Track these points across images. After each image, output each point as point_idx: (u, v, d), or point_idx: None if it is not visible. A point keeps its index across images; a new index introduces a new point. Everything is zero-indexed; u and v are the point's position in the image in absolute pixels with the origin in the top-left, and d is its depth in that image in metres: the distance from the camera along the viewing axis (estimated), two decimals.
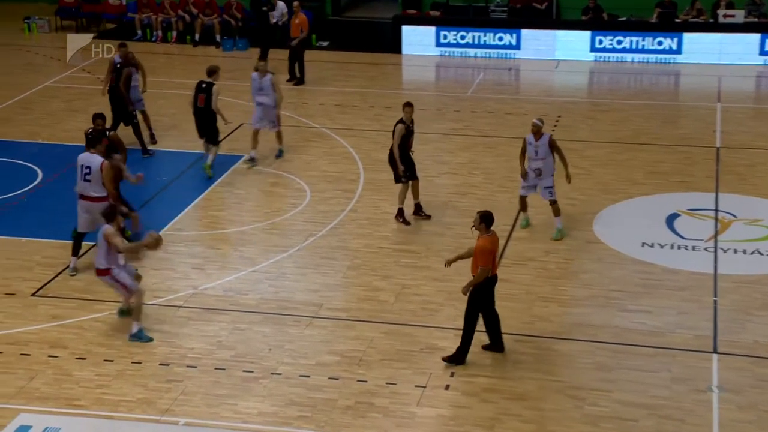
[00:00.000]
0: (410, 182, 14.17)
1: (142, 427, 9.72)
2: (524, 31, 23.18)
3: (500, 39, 23.35)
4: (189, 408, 10.01)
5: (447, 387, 10.41)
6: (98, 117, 13.71)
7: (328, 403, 10.11)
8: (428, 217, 14.34)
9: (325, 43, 24.06)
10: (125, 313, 11.47)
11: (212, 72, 15.79)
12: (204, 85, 15.73)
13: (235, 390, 10.33)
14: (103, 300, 12.04)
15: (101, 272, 11.06)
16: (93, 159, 12.38)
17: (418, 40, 23.49)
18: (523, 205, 14.01)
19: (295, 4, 21.16)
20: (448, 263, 10.94)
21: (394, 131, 13.98)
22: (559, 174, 13.61)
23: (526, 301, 12.11)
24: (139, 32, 24.13)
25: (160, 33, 24.06)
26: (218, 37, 23.81)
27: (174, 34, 24.06)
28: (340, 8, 26.96)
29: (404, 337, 11.37)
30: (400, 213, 14.25)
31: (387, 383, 10.45)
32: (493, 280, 10.64)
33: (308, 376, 10.59)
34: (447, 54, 23.49)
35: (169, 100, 19.00)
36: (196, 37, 23.95)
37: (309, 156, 16.97)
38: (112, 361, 10.80)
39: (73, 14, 24.93)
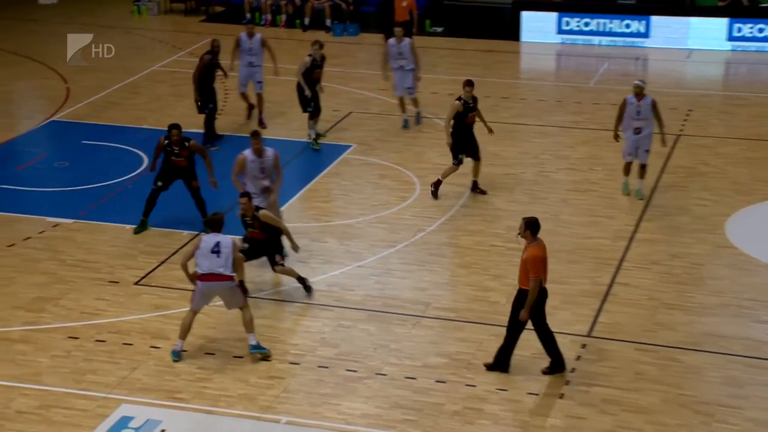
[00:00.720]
0: (472, 162, 14.86)
1: (243, 424, 9.91)
2: (654, 18, 22.68)
3: (627, 26, 22.91)
4: (291, 406, 10.15)
5: (561, 396, 10.28)
6: (174, 127, 13.54)
7: (435, 408, 10.11)
8: (484, 192, 14.89)
9: (440, 29, 24.03)
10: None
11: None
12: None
13: (339, 389, 10.42)
14: None
15: (226, 278, 10.73)
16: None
17: (539, 27, 23.25)
18: (627, 170, 14.73)
19: None
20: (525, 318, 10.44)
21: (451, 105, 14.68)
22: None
23: (648, 308, 11.86)
24: (248, 15, 24.56)
25: (269, 17, 24.44)
26: (328, 22, 24.04)
27: (283, 17, 24.41)
28: None
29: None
30: (436, 185, 14.78)
31: (497, 389, 10.39)
32: (544, 292, 10.34)
33: (414, 378, 10.61)
34: (569, 42, 23.18)
35: (277, 87, 19.28)
36: (306, 21, 24.24)
37: (419, 147, 16.98)
38: (213, 354, 11.04)
39: None
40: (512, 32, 23.41)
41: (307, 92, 16.53)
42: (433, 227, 14.07)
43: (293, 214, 14.50)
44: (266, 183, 12.91)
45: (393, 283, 12.61)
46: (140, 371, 10.70)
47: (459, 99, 14.66)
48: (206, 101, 16.59)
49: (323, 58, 16.84)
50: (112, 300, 12.14)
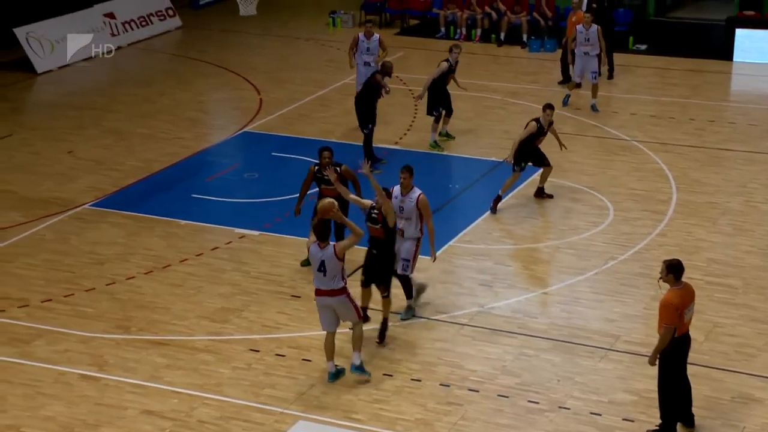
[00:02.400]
0: (542, 168, 15.43)
1: None
2: None
3: None
4: None
5: None
6: (325, 149, 12.86)
7: None
8: (550, 196, 15.43)
9: (643, 47, 23.53)
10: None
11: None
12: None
13: (519, 421, 10.35)
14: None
15: (337, 292, 10.75)
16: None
17: (755, 46, 22.36)
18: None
19: (575, 0, 20.89)
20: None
21: (527, 125, 15.20)
22: None
23: None
24: (443, 29, 24.82)
25: (463, 31, 24.61)
26: (525, 37, 23.98)
27: (478, 32, 24.53)
28: (665, 8, 26.26)
29: (713, 382, 10.87)
30: (496, 200, 15.07)
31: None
32: (683, 341, 9.74)
33: (600, 415, 10.40)
34: None
35: (468, 103, 19.39)
36: (502, 36, 24.27)
37: (614, 171, 16.68)
38: (391, 376, 11.19)
39: (378, 9, 26.09)
40: (725, 51, 22.61)
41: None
42: (626, 256, 13.77)
43: (477, 236, 14.53)
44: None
45: (580, 313, 12.42)
46: (318, 388, 10.97)
47: (536, 121, 15.10)
48: (366, 120, 16.53)
49: (457, 63, 17.41)
50: (293, 314, 12.50)
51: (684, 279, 9.94)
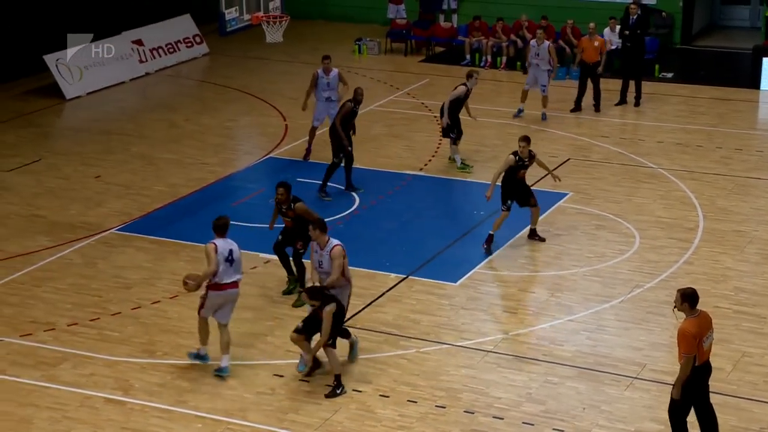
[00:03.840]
0: (530, 209, 14.96)
1: None
2: None
3: None
4: None
5: None
6: (280, 186, 13.21)
7: None
8: (543, 239, 14.96)
9: (669, 75, 23.51)
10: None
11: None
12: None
13: None
14: (409, 336, 12.51)
15: (236, 285, 11.69)
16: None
17: None
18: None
19: (591, 25, 20.94)
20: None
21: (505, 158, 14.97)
22: None
23: None
24: (468, 57, 24.90)
25: (489, 58, 24.68)
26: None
27: (503, 60, 24.59)
28: (691, 36, 26.24)
29: (741, 412, 10.79)
30: (488, 240, 14.73)
31: None
32: (704, 369, 9.65)
33: None
34: None
35: (493, 130, 19.43)
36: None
37: (640, 198, 16.64)
38: (415, 402, 11.17)
39: (404, 36, 26.23)
40: (752, 80, 22.56)
41: (448, 120, 17.38)
42: (652, 284, 13.71)
43: (502, 262, 14.51)
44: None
45: (606, 341, 12.37)
46: (342, 414, 10.96)
47: (514, 154, 14.70)
48: (339, 150, 16.74)
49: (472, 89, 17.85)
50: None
51: (711, 308, 9.95)
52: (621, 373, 11.59)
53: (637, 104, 21.15)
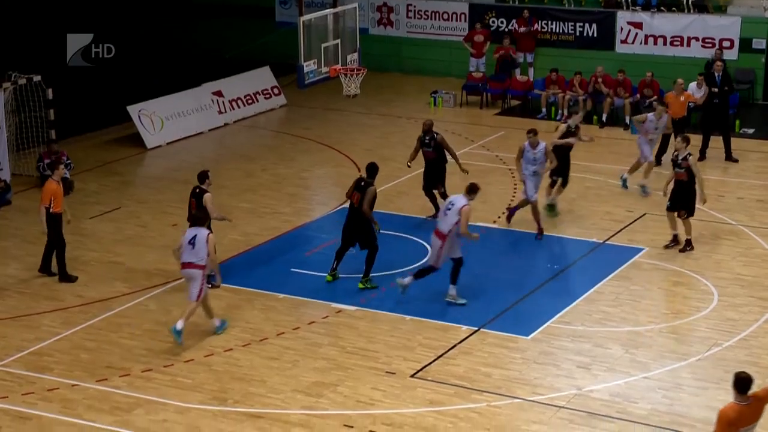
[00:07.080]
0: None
1: None
2: None
3: None
4: None
5: None
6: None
7: None
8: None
9: (750, 131, 23.18)
10: None
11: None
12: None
13: None
14: (480, 390, 12.41)
15: (194, 266, 13.60)
16: None
17: None
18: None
19: (679, 81, 20.75)
20: None
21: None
22: None
23: None
24: (544, 110, 24.88)
25: (565, 112, 24.60)
26: (627, 119, 23.86)
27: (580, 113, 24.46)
28: None
29: None
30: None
31: None
32: None
33: None
34: None
35: (570, 183, 19.31)
36: (604, 117, 24.20)
37: (719, 255, 16.36)
38: None
39: (479, 89, 26.32)
40: None
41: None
42: (731, 342, 13.44)
43: (576, 316, 14.36)
44: None
45: (683, 399, 12.13)
46: None
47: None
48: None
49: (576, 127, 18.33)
50: (387, 391, 12.50)
51: None
52: None
53: (729, 158, 20.89)
